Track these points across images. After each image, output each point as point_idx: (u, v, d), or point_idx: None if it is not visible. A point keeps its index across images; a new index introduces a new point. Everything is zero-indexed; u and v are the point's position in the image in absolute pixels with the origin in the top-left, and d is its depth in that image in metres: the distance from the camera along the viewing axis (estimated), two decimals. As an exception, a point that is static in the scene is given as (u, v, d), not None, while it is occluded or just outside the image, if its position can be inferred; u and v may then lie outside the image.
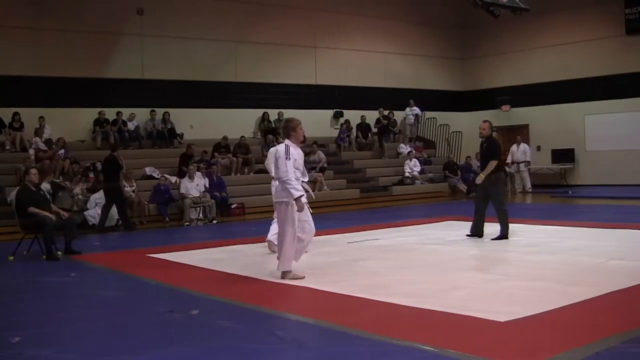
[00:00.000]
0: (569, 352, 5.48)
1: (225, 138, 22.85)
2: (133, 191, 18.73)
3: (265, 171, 22.92)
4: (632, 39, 26.65)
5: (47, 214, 12.61)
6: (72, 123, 21.56)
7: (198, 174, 19.35)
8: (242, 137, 23.36)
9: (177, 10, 23.54)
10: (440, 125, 29.35)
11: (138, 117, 22.65)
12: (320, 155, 23.53)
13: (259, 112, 25.34)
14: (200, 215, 18.92)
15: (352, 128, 27.14)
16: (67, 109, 21.64)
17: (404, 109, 28.60)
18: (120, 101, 22.35)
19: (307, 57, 27.00)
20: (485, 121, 13.18)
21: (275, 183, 10.01)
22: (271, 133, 24.29)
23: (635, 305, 7.16)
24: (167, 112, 22.84)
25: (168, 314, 7.50)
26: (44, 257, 12.38)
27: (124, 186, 18.21)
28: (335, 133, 26.79)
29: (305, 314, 7.19)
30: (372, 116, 27.75)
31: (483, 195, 12.75)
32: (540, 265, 9.60)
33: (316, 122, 26.47)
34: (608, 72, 27.16)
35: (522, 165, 26.56)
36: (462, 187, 25.83)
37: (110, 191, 17.53)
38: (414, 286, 8.50)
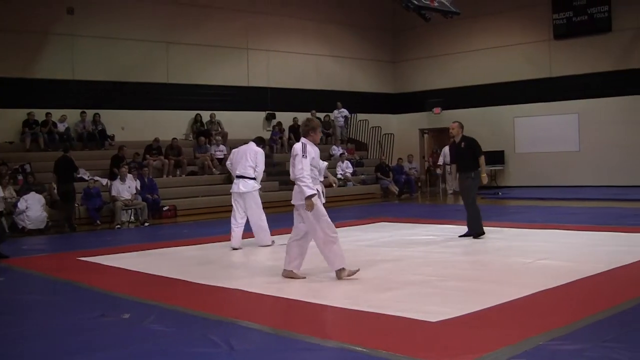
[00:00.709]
0: (498, 351, 5.55)
1: (156, 140, 22.67)
2: (62, 193, 18.47)
3: (196, 173, 22.97)
4: (559, 43, 27.23)
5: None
6: (0, 124, 21.19)
7: (129, 176, 19.16)
8: (174, 139, 23.20)
9: (108, 10, 23.23)
10: (372, 127, 29.51)
11: (68, 118, 22.27)
12: (253, 157, 23.41)
13: (191, 114, 25.18)
14: (132, 217, 18.74)
15: (284, 130, 27.14)
16: (-5, 109, 21.27)
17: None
18: (50, 102, 21.98)
19: (240, 58, 26.91)
20: (454, 122, 13.35)
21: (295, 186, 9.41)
22: (203, 135, 24.17)
23: (562, 304, 7.29)
24: (97, 113, 22.54)
25: (98, 318, 7.40)
26: (-29, 261, 12.13)
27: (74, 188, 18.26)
28: (267, 135, 26.76)
29: (237, 317, 7.15)
30: (304, 118, 27.68)
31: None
32: (470, 266, 9.73)
33: (248, 123, 26.47)
34: (536, 75, 27.69)
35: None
36: (394, 188, 25.99)
37: (64, 193, 17.68)
38: (344, 287, 8.54)
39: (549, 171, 27.20)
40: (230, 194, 13.03)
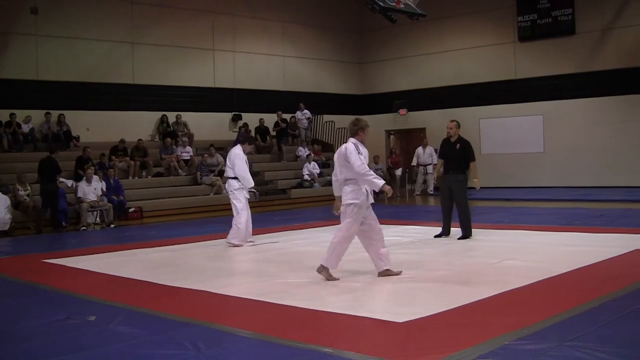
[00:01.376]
0: (465, 351, 5.60)
1: (122, 141, 22.52)
2: (27, 195, 18.30)
3: (162, 174, 22.87)
4: (524, 45, 27.47)
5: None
6: (-37, 125, 20.94)
7: (95, 177, 19.02)
8: (140, 140, 23.07)
9: (72, 10, 23.03)
10: (339, 128, 29.53)
11: (33, 119, 22.02)
12: (219, 158, 23.38)
13: (157, 115, 25.05)
14: (98, 219, 18.60)
15: (250, 131, 27.09)
16: (-42, 110, 21.01)
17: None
18: (14, 103, 21.71)
19: (206, 59, 26.82)
20: (452, 120, 13.40)
21: (345, 187, 9.37)
22: (169, 136, 24.06)
23: (528, 303, 7.35)
24: (62, 114, 22.31)
25: (64, 321, 7.34)
26: None
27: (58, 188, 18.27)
28: (233, 136, 26.60)
29: (204, 318, 7.14)
30: (270, 119, 27.75)
31: (449, 194, 12.90)
32: (437, 266, 9.78)
33: (214, 125, 26.46)
34: (502, 77, 27.92)
35: (429, 167, 26.68)
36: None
37: (47, 193, 17.87)
38: (310, 288, 8.56)
39: (514, 172, 27.42)
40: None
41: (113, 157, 21.90)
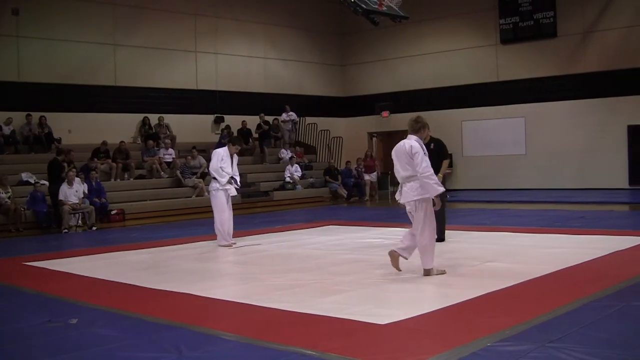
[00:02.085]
0: (447, 353, 5.62)
1: (104, 143, 22.43)
2: (9, 197, 18.22)
3: (144, 177, 22.80)
4: (506, 48, 27.60)
5: None
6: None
7: (77, 179, 18.94)
8: (122, 142, 23.02)
9: (54, 11, 22.95)
10: (321, 130, 29.57)
11: (14, 121, 21.88)
12: (201, 160, 23.35)
13: (139, 117, 24.99)
14: (80, 221, 18.53)
15: (233, 133, 27.07)
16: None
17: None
18: (-6, 104, 21.68)
19: (188, 61, 26.78)
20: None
21: (409, 183, 9.13)
22: (152, 138, 24.00)
23: (509, 305, 7.37)
24: (43, 116, 22.20)
25: (45, 324, 7.31)
26: None
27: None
28: (216, 138, 26.60)
29: (187, 321, 7.12)
30: (253, 121, 27.74)
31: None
32: (419, 269, 9.78)
33: (197, 127, 26.43)
34: (484, 79, 28.03)
35: None
36: (343, 192, 26.10)
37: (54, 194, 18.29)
38: (292, 290, 8.56)
39: (496, 174, 27.54)
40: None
41: (95, 159, 21.78)
